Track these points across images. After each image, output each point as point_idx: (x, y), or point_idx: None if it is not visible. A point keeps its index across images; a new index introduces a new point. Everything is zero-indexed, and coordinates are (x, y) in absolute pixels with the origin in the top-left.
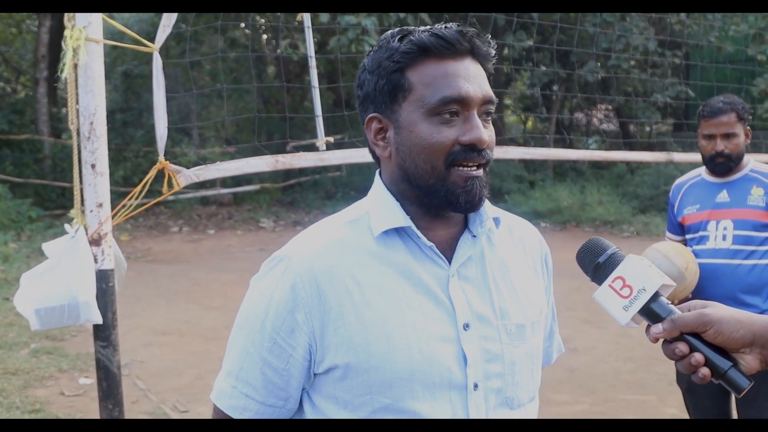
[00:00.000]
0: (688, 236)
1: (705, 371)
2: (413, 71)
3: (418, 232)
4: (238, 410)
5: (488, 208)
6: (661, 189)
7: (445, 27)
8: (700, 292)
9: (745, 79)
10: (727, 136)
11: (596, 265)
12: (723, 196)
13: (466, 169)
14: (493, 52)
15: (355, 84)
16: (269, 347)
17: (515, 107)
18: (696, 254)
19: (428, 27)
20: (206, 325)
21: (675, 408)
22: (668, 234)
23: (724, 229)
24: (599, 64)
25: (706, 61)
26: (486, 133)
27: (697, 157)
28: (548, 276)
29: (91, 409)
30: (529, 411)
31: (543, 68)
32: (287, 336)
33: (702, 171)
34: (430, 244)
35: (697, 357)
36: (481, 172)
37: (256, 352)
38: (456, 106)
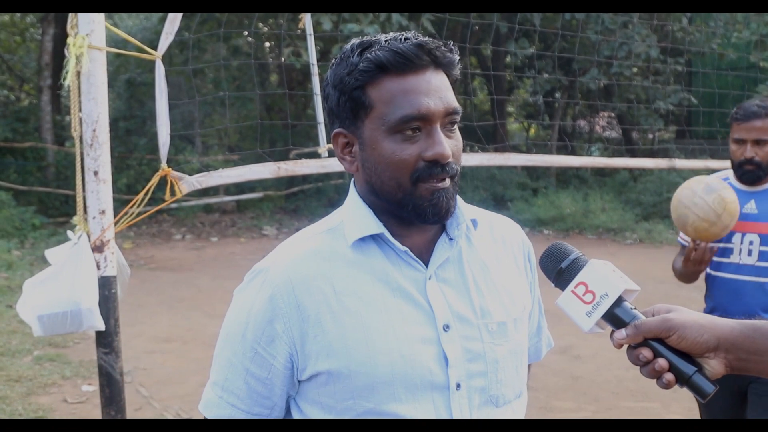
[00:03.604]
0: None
1: (669, 377)
2: (373, 88)
3: (392, 238)
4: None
5: (465, 210)
6: (663, 196)
7: (405, 39)
8: (720, 307)
9: (747, 86)
10: (758, 143)
11: (559, 271)
12: (751, 206)
13: (432, 183)
14: (457, 58)
15: (322, 96)
16: (251, 357)
17: (518, 115)
18: (717, 267)
19: (389, 38)
20: (209, 332)
21: (678, 415)
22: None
23: (750, 243)
24: (601, 71)
25: (709, 68)
26: (450, 144)
27: (699, 164)
28: (532, 272)
29: (94, 416)
30: (515, 408)
31: (545, 76)
32: (267, 346)
33: (731, 175)
34: (404, 248)
35: (661, 362)
36: (447, 183)
37: (239, 362)
38: (417, 123)
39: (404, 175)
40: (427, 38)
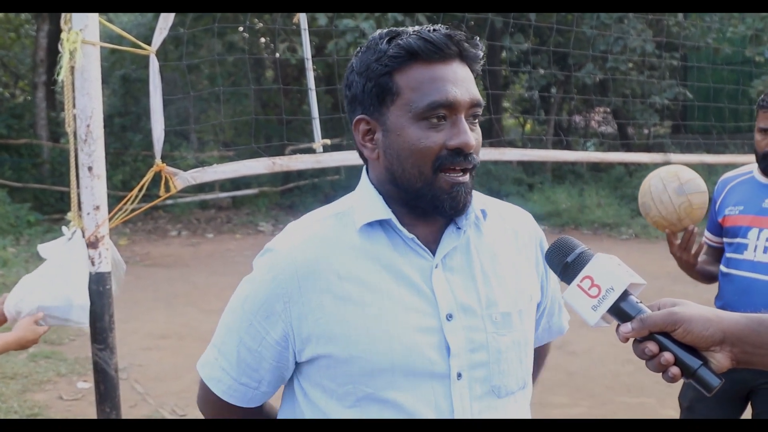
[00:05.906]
0: (725, 239)
1: (675, 370)
2: (401, 75)
3: (399, 225)
4: (214, 381)
5: (476, 200)
6: None
7: (434, 30)
8: (729, 306)
9: (742, 81)
10: None
11: (565, 265)
12: None
13: (452, 174)
14: (482, 54)
15: (343, 84)
16: (246, 327)
17: (513, 110)
18: (729, 263)
19: (417, 29)
20: (205, 328)
21: (673, 410)
22: (707, 233)
23: (767, 240)
24: (597, 66)
25: (704, 62)
26: (473, 137)
27: (694, 158)
28: (545, 260)
29: (89, 413)
30: (518, 399)
31: (541, 71)
32: (262, 320)
33: (755, 168)
34: (411, 236)
35: (667, 356)
36: (467, 177)
37: (236, 330)
38: (443, 111)
39: (427, 163)
40: (455, 30)
